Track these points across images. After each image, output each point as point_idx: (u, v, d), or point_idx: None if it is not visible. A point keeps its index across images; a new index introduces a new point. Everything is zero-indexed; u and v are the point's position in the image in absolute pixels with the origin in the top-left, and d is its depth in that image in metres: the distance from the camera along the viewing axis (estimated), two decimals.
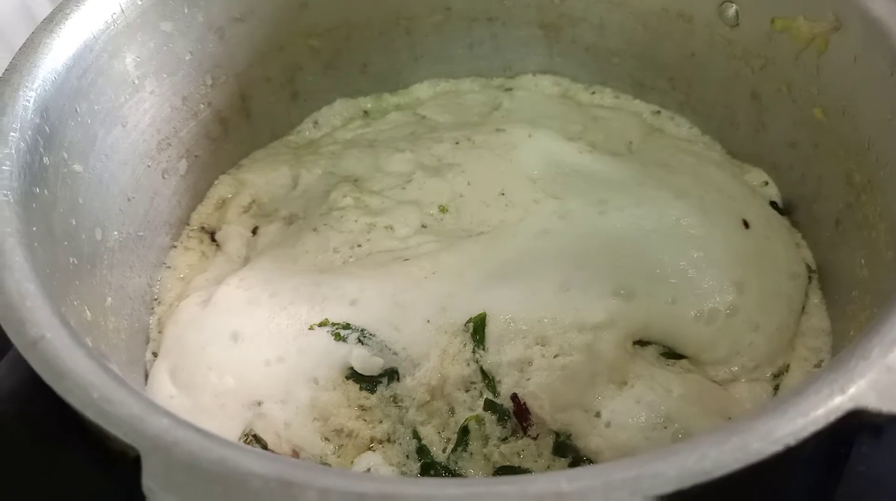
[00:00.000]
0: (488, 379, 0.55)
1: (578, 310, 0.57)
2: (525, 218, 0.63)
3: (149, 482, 0.32)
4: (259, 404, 0.55)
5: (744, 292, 0.58)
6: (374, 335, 0.56)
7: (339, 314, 0.57)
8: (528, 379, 0.55)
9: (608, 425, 0.53)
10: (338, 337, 0.56)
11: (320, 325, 0.57)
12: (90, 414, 0.35)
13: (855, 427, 0.56)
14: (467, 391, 0.55)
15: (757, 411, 0.34)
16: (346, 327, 0.57)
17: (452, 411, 0.55)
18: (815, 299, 0.60)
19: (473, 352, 0.56)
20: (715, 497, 0.33)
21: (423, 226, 0.64)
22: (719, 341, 0.57)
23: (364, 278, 0.59)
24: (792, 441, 0.33)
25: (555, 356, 0.55)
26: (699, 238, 0.60)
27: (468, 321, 0.57)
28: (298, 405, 0.54)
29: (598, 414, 0.54)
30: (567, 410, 0.54)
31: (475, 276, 0.59)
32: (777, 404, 0.34)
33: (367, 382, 0.56)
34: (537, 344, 0.56)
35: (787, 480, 0.39)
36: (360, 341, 0.56)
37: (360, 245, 0.63)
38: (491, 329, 0.57)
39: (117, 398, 0.35)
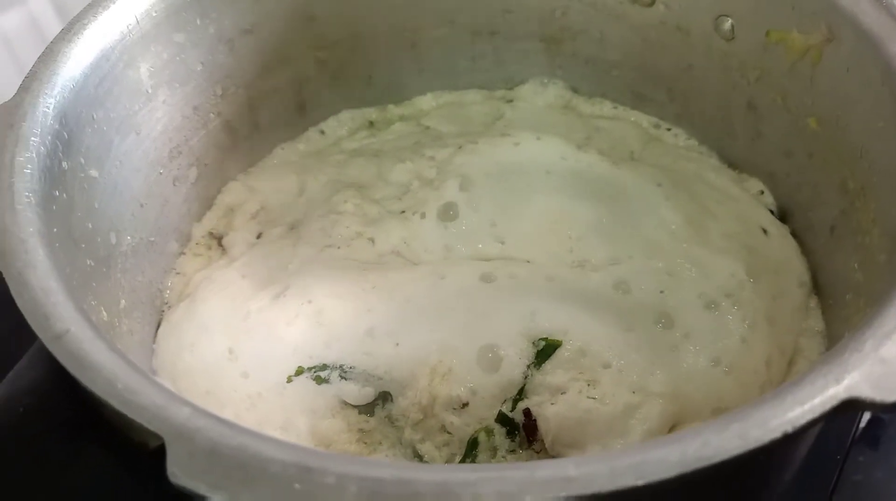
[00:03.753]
0: (519, 397, 0.55)
1: (643, 374, 0.55)
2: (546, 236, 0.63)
3: (173, 468, 0.33)
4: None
5: (774, 322, 0.58)
6: (353, 367, 0.57)
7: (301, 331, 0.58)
8: (552, 404, 0.55)
9: None
10: (319, 380, 0.57)
11: (296, 374, 0.57)
12: (115, 403, 0.36)
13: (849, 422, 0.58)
14: (455, 410, 0.55)
15: (756, 401, 0.35)
16: (324, 368, 0.57)
17: (444, 429, 0.56)
18: (812, 302, 0.62)
19: (528, 368, 0.56)
20: (715, 483, 0.34)
21: (402, 247, 0.64)
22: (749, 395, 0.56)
23: (322, 279, 0.60)
24: (789, 429, 0.34)
25: (588, 397, 0.54)
26: (735, 271, 0.60)
27: (541, 339, 0.56)
28: (298, 433, 0.55)
29: None
30: (568, 448, 0.54)
31: (413, 301, 0.59)
32: (775, 394, 0.35)
33: (365, 406, 0.57)
34: (586, 382, 0.55)
35: (782, 471, 0.40)
36: (342, 377, 0.57)
37: (338, 248, 0.64)
38: (560, 353, 0.56)
39: (141, 389, 0.37)
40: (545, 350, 0.56)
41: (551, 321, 0.57)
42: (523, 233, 0.64)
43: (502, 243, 0.64)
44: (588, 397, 0.54)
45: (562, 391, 0.55)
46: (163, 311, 0.64)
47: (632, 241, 0.63)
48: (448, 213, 0.65)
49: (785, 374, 0.58)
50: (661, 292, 0.59)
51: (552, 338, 0.56)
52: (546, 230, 0.64)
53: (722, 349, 0.57)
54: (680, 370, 0.56)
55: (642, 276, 0.60)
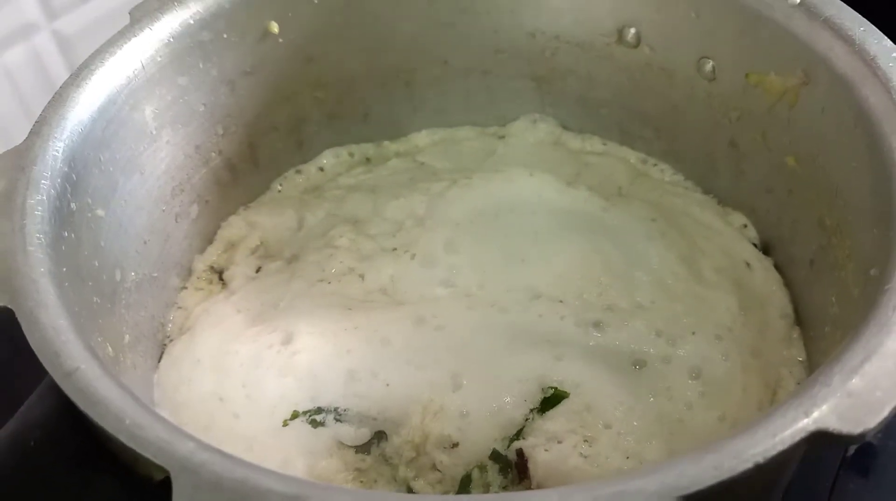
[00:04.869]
0: (516, 437, 0.56)
1: (641, 441, 0.55)
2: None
3: (179, 499, 0.35)
4: None
5: (760, 355, 0.59)
6: (347, 410, 0.58)
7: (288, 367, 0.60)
8: (546, 451, 0.55)
9: None
10: (315, 424, 0.58)
11: (292, 418, 0.58)
12: (123, 438, 0.38)
13: (823, 451, 0.59)
14: (445, 450, 0.56)
15: (730, 433, 0.37)
16: (318, 411, 0.58)
17: (435, 468, 0.57)
18: (794, 333, 0.64)
19: (531, 411, 0.57)
20: None
21: (389, 285, 0.65)
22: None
23: (307, 317, 0.62)
24: (761, 460, 0.36)
25: (581, 455, 0.55)
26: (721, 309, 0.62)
27: (550, 387, 0.58)
28: (296, 473, 0.56)
29: None
30: None
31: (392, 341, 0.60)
32: (747, 426, 0.37)
33: (361, 445, 0.58)
34: (584, 440, 0.55)
35: (767, 498, 0.42)
36: (337, 420, 0.58)
37: (329, 283, 0.66)
38: (566, 403, 0.57)
39: (147, 424, 0.38)
40: (551, 400, 0.57)
41: (568, 372, 0.58)
42: (539, 273, 0.65)
43: (511, 281, 0.64)
44: (581, 454, 0.54)
45: (558, 440, 0.55)
46: (164, 344, 0.66)
47: (646, 282, 0.64)
48: (438, 254, 0.67)
49: (770, 406, 0.60)
50: (693, 333, 0.60)
51: (560, 389, 0.57)
52: (561, 272, 0.65)
53: (728, 403, 0.57)
54: (686, 432, 0.56)
55: (672, 323, 0.61)
